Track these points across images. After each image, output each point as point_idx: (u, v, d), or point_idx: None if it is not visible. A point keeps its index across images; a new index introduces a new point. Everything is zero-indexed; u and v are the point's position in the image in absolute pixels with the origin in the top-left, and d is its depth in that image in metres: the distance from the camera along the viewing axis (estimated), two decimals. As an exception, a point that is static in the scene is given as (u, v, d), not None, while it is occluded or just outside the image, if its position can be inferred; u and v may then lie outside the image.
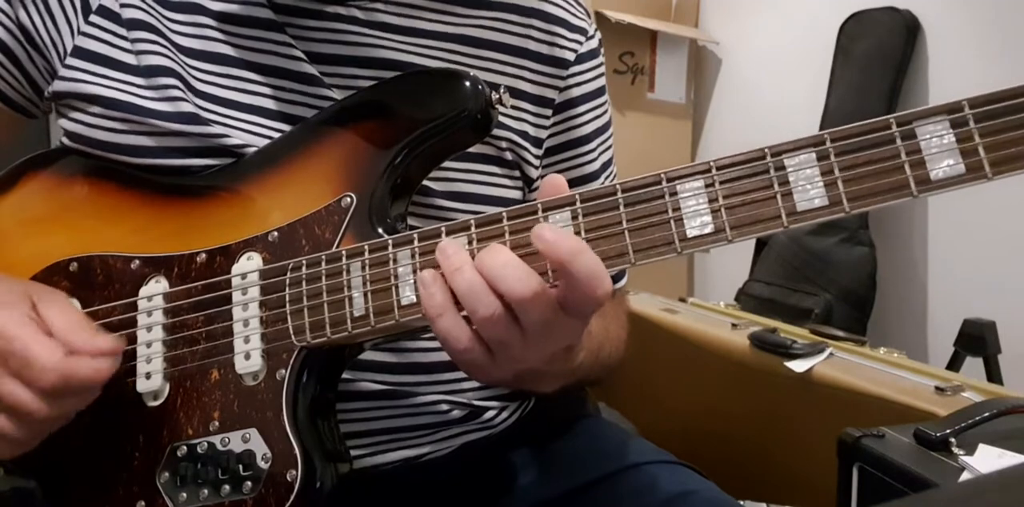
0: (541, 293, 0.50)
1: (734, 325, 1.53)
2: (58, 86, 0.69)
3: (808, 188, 0.49)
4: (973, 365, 1.60)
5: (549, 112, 0.76)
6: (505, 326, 0.51)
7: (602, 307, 0.52)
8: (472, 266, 0.51)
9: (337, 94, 0.69)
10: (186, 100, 0.67)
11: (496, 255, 0.51)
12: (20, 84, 0.72)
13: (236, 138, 0.67)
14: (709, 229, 0.50)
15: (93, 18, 0.69)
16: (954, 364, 1.63)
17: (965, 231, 1.97)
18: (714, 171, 0.51)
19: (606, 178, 0.81)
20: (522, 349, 0.52)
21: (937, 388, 1.15)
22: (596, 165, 0.79)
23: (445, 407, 0.72)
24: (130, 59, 0.68)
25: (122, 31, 0.69)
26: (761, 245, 2.27)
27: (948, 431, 0.91)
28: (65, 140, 0.71)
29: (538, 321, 0.50)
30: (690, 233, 0.50)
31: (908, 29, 2.07)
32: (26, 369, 0.55)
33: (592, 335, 0.64)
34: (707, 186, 0.51)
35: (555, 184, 0.54)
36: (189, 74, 0.68)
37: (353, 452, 0.67)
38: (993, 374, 1.57)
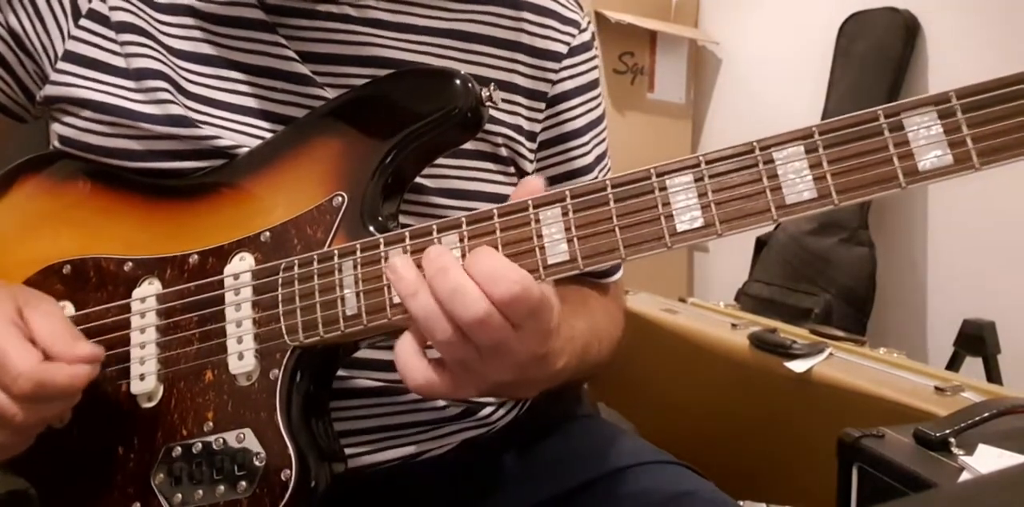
0: (487, 318, 0.50)
1: (734, 325, 1.52)
2: (49, 90, 0.69)
3: (797, 181, 0.49)
4: (973, 365, 1.60)
5: (542, 105, 0.75)
6: (462, 347, 0.51)
7: (585, 306, 0.52)
8: (427, 290, 0.51)
9: (330, 93, 0.68)
10: (175, 102, 0.67)
11: (445, 279, 0.51)
12: (12, 90, 0.72)
13: (228, 139, 0.67)
14: (699, 223, 0.50)
15: (83, 22, 0.68)
16: (954, 364, 1.63)
17: (965, 231, 1.97)
18: (703, 165, 0.51)
19: (600, 171, 0.81)
20: (481, 366, 0.52)
21: (937, 388, 1.15)
22: (590, 158, 0.79)
23: (441, 403, 0.72)
24: (119, 62, 0.68)
25: (111, 34, 0.68)
26: (761, 245, 2.27)
27: (948, 431, 0.91)
28: (57, 144, 0.70)
29: (489, 343, 0.51)
30: (680, 228, 0.51)
31: (907, 29, 2.07)
32: (2, 374, 0.55)
33: (575, 339, 0.63)
34: (696, 180, 0.51)
35: (529, 186, 0.55)
36: (180, 76, 0.68)
37: (351, 450, 0.67)
38: (993, 374, 1.57)
